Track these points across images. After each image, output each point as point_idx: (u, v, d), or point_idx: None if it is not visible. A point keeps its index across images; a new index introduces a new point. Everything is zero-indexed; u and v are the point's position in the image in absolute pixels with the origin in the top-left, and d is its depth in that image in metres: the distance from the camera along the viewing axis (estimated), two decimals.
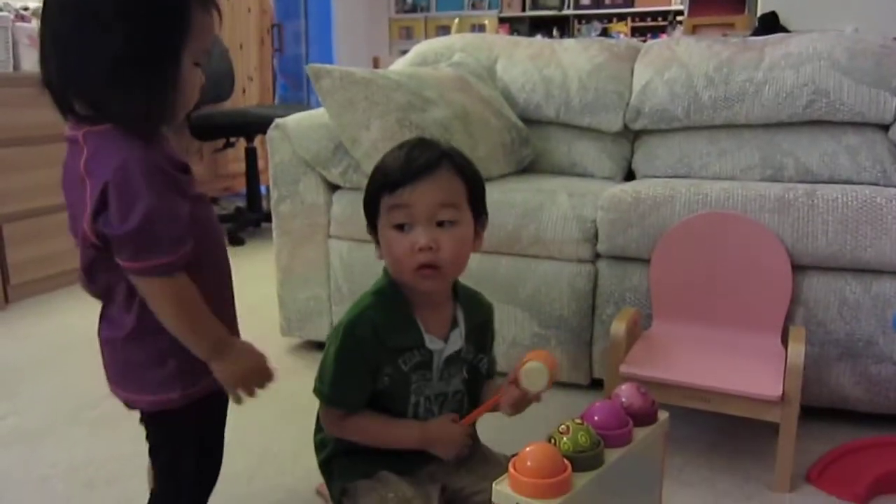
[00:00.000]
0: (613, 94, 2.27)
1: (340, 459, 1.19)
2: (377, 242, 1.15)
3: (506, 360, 1.84)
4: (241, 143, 3.86)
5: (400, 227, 1.09)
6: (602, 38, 3.44)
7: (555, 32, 7.00)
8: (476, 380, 1.21)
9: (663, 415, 1.03)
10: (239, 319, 1.13)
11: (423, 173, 1.07)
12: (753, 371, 1.49)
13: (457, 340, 1.15)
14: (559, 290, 1.84)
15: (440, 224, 1.08)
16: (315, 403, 1.17)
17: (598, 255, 1.84)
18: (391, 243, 1.09)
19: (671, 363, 1.55)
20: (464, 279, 1.20)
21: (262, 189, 3.93)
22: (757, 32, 3.55)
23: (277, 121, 2.09)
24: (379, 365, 1.12)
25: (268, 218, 3.75)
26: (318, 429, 1.22)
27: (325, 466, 1.22)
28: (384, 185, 1.10)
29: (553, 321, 1.86)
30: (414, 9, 7.39)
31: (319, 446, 1.23)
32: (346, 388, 1.13)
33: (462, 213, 1.10)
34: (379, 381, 1.13)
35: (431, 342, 1.13)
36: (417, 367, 1.13)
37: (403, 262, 1.09)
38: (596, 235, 1.81)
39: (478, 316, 1.20)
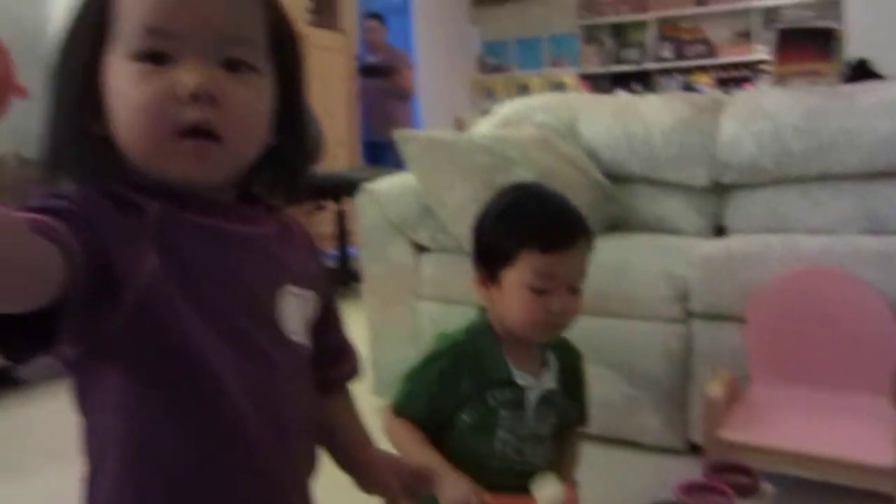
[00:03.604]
0: (699, 148, 2.24)
1: None
2: (487, 284, 1.15)
3: (597, 421, 1.81)
4: (332, 206, 3.98)
5: (537, 290, 1.09)
6: (684, 93, 3.42)
7: (636, 87, 7.00)
8: (566, 426, 1.21)
9: (767, 487, 0.99)
10: None
11: (575, 238, 1.10)
12: (863, 436, 1.42)
13: (549, 380, 1.16)
14: (650, 349, 1.80)
15: (572, 290, 1.11)
16: None
17: (689, 314, 1.80)
18: (525, 303, 1.10)
19: (773, 427, 1.49)
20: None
21: (352, 250, 4.03)
22: (847, 80, 3.46)
23: (366, 185, 2.16)
24: (463, 398, 1.13)
25: (356, 278, 3.84)
26: None
27: None
28: (531, 242, 1.09)
29: (644, 382, 1.82)
30: (495, 68, 7.53)
31: None
32: (407, 408, 1.16)
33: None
34: (465, 413, 1.13)
35: (521, 378, 1.14)
36: (508, 405, 1.14)
37: (535, 322, 1.10)
38: (687, 293, 1.78)
39: (568, 360, 1.21)
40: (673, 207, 2.30)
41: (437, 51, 6.61)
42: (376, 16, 5.16)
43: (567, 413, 1.20)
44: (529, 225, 1.11)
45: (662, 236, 2.14)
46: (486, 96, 7.46)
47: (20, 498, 1.81)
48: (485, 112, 7.24)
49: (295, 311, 0.75)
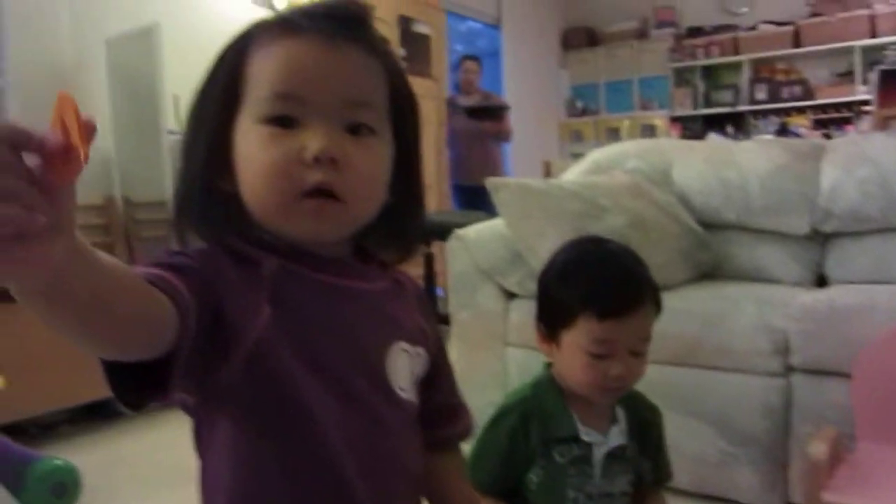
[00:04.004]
0: (798, 196, 2.18)
1: None
2: (548, 342, 1.14)
3: (688, 476, 1.75)
4: (420, 248, 4.03)
5: (596, 356, 1.07)
6: (781, 139, 3.34)
7: (729, 129, 6.86)
8: (642, 483, 1.17)
9: None
10: None
11: (634, 305, 1.07)
12: None
13: (617, 436, 1.13)
14: (748, 404, 1.74)
15: (634, 354, 1.08)
16: None
17: (790, 368, 1.74)
18: (583, 368, 1.08)
19: (880, 490, 1.41)
20: (640, 389, 1.18)
21: (439, 291, 4.06)
22: None
23: (457, 231, 2.19)
24: (529, 456, 1.11)
25: (442, 321, 3.87)
26: None
27: None
28: (590, 306, 1.07)
29: (742, 438, 1.75)
30: (584, 112, 7.52)
31: None
32: (479, 470, 1.14)
33: (649, 343, 1.11)
34: (533, 472, 1.11)
35: (587, 434, 1.11)
36: (576, 462, 1.11)
37: (593, 386, 1.09)
38: (787, 347, 1.72)
39: (639, 415, 1.17)
40: (770, 256, 2.23)
41: (526, 94, 6.67)
42: (475, 58, 5.19)
43: (641, 470, 1.16)
44: (587, 289, 1.09)
45: (760, 286, 2.08)
46: (575, 140, 7.46)
47: None
48: (573, 156, 7.24)
49: (404, 367, 0.76)
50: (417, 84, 4.96)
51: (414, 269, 4.32)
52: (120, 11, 3.34)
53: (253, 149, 0.69)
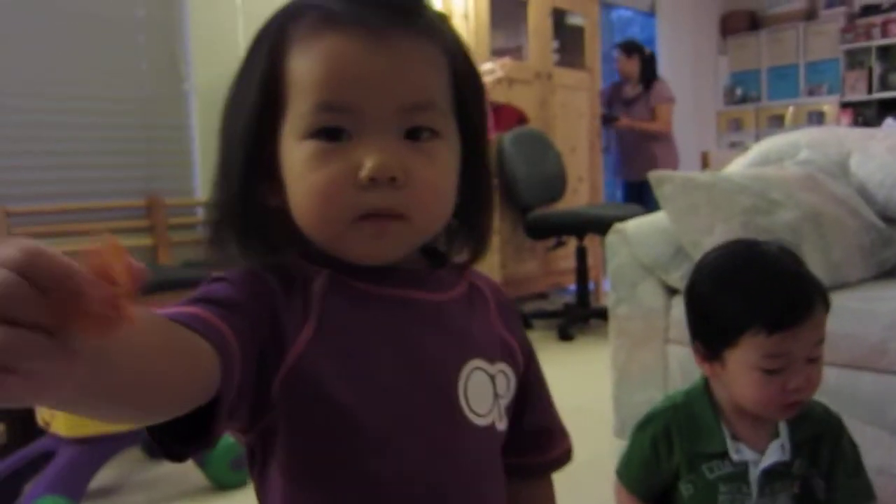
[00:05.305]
0: None
1: None
2: (710, 361, 1.06)
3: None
4: (572, 242, 4.01)
5: (771, 371, 1.00)
6: None
7: None
8: (814, 501, 1.08)
9: None
10: (565, 418, 0.83)
11: (808, 313, 0.99)
12: None
13: (776, 452, 1.05)
14: None
15: (810, 360, 1.01)
16: None
17: None
18: (757, 385, 1.00)
19: None
20: (819, 395, 1.10)
21: (591, 285, 4.03)
22: None
23: (617, 225, 2.15)
24: (677, 467, 1.07)
25: (596, 315, 3.83)
26: None
27: None
28: (758, 322, 0.98)
29: None
30: (743, 99, 7.17)
31: None
32: (628, 470, 1.13)
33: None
34: (683, 484, 1.07)
35: (738, 452, 1.05)
36: (729, 479, 1.05)
37: (771, 404, 1.02)
38: None
39: (809, 428, 1.08)
40: None
41: (682, 83, 6.43)
42: (631, 47, 5.01)
43: (813, 488, 1.08)
44: (751, 303, 1.00)
45: None
46: (733, 129, 7.13)
47: None
48: (731, 145, 6.93)
49: (483, 388, 0.66)
50: (570, 76, 4.93)
51: (565, 264, 4.31)
52: None
53: (298, 167, 0.60)
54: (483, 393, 0.66)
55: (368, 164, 0.58)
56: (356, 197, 0.59)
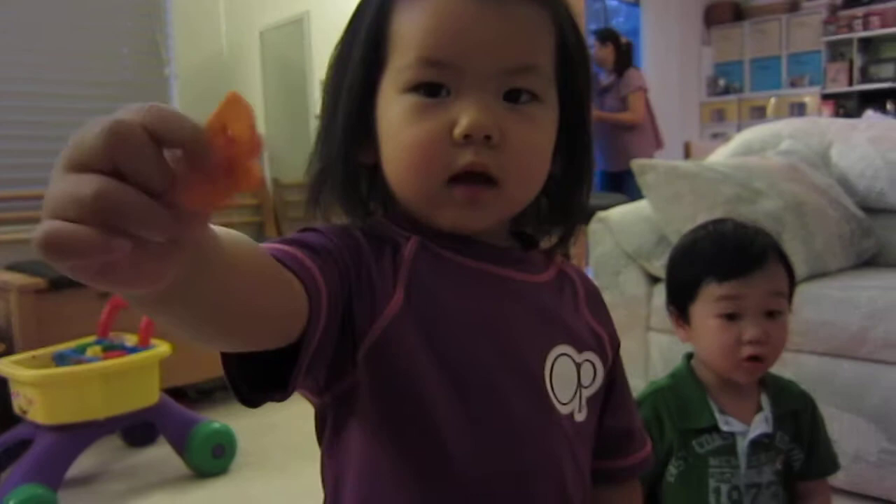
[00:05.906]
0: None
1: None
2: (681, 323, 1.12)
3: (847, 474, 1.67)
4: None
5: (726, 317, 1.05)
6: None
7: (889, 106, 6.37)
8: (796, 475, 1.12)
9: None
10: None
11: (757, 264, 1.04)
12: None
13: (762, 424, 1.08)
14: None
15: (769, 314, 1.04)
16: None
17: None
18: (714, 333, 1.06)
19: None
20: (800, 381, 1.15)
21: None
22: None
23: (600, 214, 2.16)
24: (668, 448, 1.08)
25: None
26: None
27: None
28: (710, 273, 1.07)
29: None
30: (726, 90, 7.20)
31: None
32: None
33: (786, 304, 1.07)
34: (672, 464, 1.09)
35: (727, 424, 1.07)
36: (718, 452, 1.08)
37: (727, 353, 1.05)
38: None
39: (788, 403, 1.12)
40: None
41: (666, 73, 6.46)
42: (606, 34, 4.93)
43: (791, 459, 1.11)
44: (707, 259, 1.07)
45: None
46: (716, 119, 7.17)
47: (273, 494, 2.00)
48: (713, 136, 6.95)
49: (568, 376, 0.65)
50: None
51: None
52: (273, 3, 3.50)
53: (395, 122, 0.60)
54: (567, 380, 0.64)
55: (464, 122, 0.57)
56: (450, 154, 0.58)
